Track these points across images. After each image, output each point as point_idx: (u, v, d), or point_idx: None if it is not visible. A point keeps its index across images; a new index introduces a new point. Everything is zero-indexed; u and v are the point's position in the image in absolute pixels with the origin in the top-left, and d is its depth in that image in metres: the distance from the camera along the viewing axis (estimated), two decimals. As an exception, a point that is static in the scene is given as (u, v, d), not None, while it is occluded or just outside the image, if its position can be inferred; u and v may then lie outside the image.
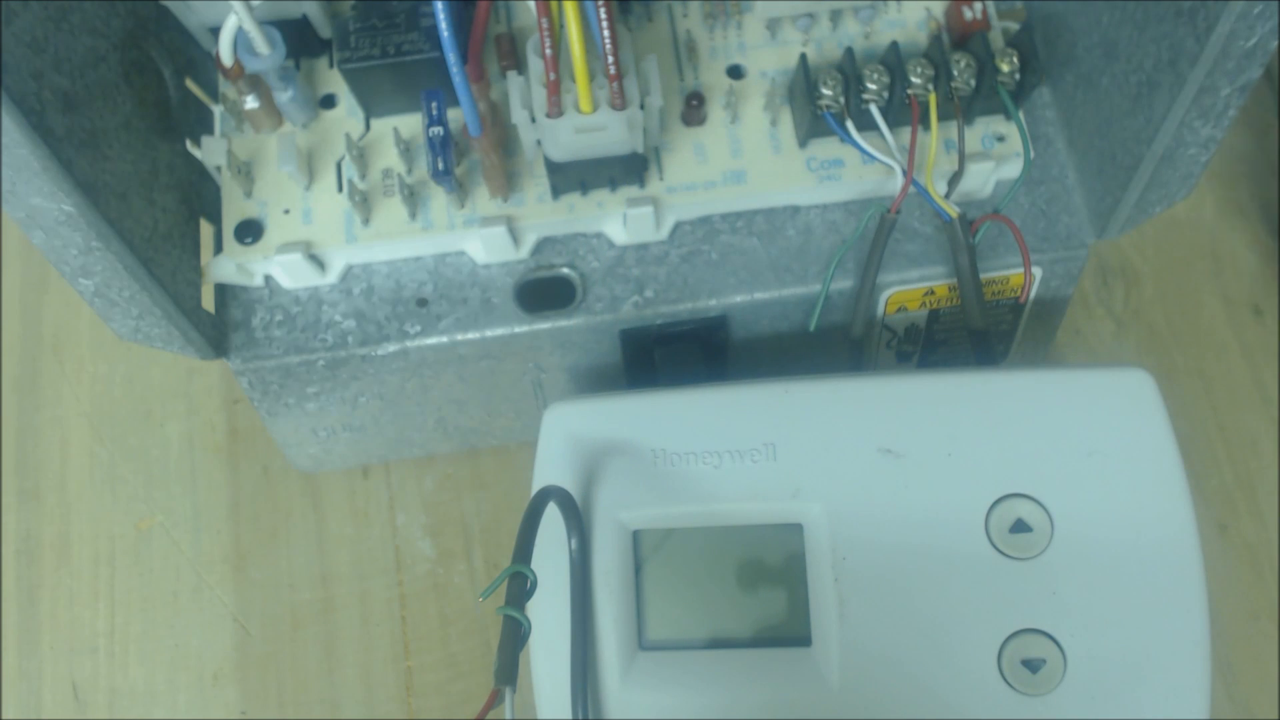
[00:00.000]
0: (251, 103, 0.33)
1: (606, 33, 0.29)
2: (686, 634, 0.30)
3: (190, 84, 0.35)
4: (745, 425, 0.30)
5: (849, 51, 0.33)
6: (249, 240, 0.33)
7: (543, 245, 0.35)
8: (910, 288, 0.35)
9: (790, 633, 0.29)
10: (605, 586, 0.30)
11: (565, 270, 0.35)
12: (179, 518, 0.42)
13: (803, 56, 0.33)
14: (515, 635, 0.25)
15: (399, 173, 0.34)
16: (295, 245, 0.33)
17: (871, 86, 0.32)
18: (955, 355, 0.39)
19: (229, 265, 0.34)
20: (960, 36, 0.34)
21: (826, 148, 0.34)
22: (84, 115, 0.28)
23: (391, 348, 0.34)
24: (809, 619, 0.29)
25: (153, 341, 0.32)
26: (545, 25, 0.29)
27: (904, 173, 0.33)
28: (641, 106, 0.31)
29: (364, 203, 0.33)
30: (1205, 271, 0.44)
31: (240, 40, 0.32)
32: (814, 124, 0.33)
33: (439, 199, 0.34)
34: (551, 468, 0.31)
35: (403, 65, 0.32)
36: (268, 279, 0.35)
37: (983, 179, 0.34)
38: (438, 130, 0.32)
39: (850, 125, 0.33)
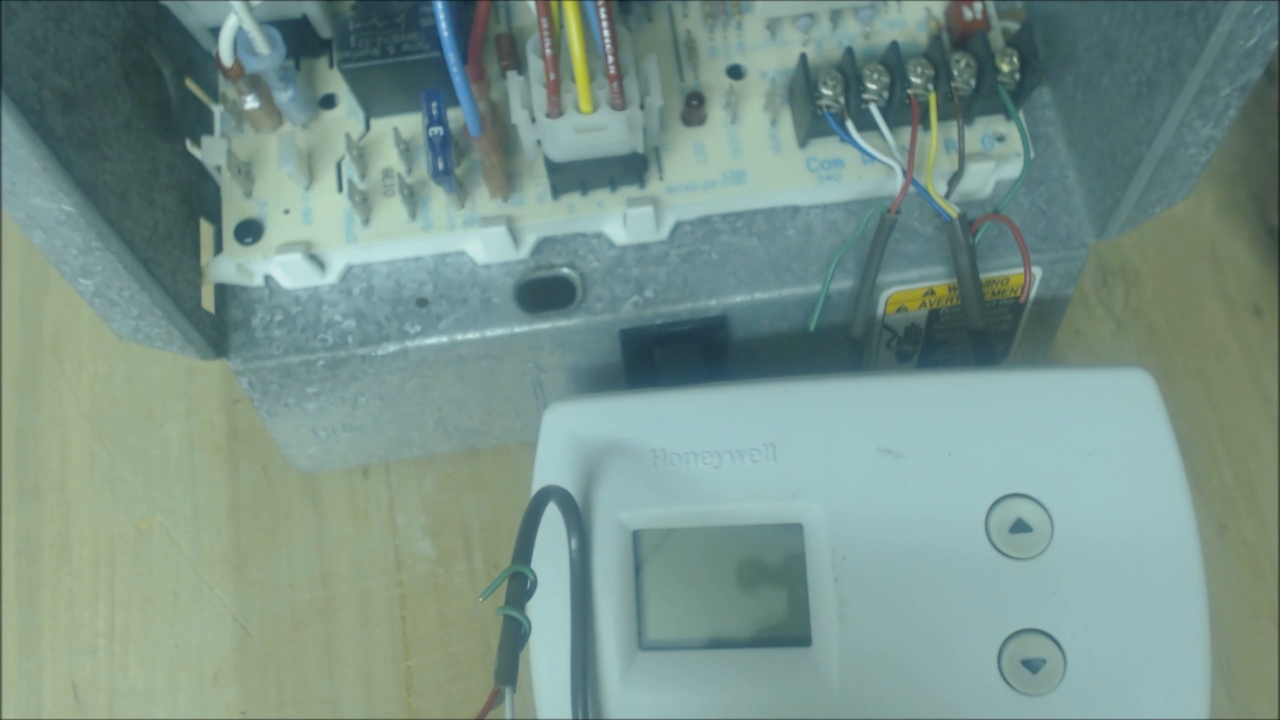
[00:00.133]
0: (251, 103, 0.33)
1: (606, 33, 0.29)
2: (686, 634, 0.30)
3: (190, 84, 0.35)
4: (745, 425, 0.30)
5: (849, 51, 0.33)
6: (249, 240, 0.33)
7: (543, 245, 0.35)
8: (910, 288, 0.35)
9: (790, 633, 0.29)
10: (605, 586, 0.30)
11: (565, 270, 0.35)
12: (179, 518, 0.42)
13: (803, 56, 0.33)
14: (515, 635, 0.25)
15: (399, 173, 0.34)
16: (295, 245, 0.33)
17: (871, 86, 0.32)
18: (955, 355, 0.39)
19: (229, 265, 0.34)
20: (960, 36, 0.34)
21: (826, 148, 0.34)
22: (84, 115, 0.28)
23: (391, 348, 0.34)
24: (809, 619, 0.29)
25: (153, 341, 0.32)
26: (545, 25, 0.29)
27: (904, 173, 0.33)
28: (641, 106, 0.31)
29: (364, 203, 0.33)
30: (1205, 271, 0.44)
31: (240, 40, 0.32)
32: (814, 124, 0.33)
33: (439, 199, 0.34)
34: (551, 468, 0.31)
35: (403, 65, 0.32)
36: (268, 279, 0.35)
37: (983, 179, 0.34)
38: (438, 130, 0.32)
39: (850, 125, 0.33)
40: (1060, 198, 0.35)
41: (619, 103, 0.31)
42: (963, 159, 0.33)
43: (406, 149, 0.34)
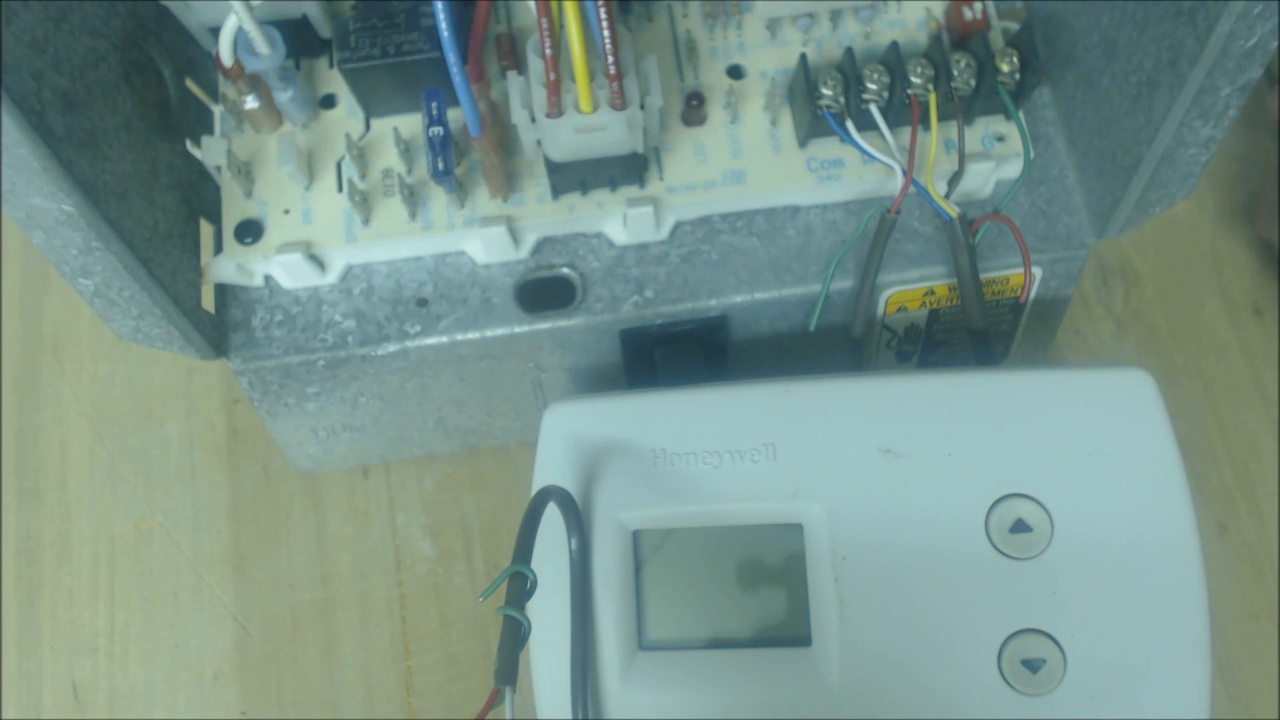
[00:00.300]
0: (251, 103, 0.33)
1: (606, 33, 0.29)
2: (686, 634, 0.30)
3: (190, 84, 0.35)
4: (745, 425, 0.30)
5: (849, 51, 0.33)
6: (249, 240, 0.33)
7: (543, 245, 0.35)
8: (910, 288, 0.35)
9: (790, 633, 0.29)
10: (605, 586, 0.30)
11: (565, 270, 0.35)
12: (179, 518, 0.42)
13: (803, 56, 0.33)
14: (515, 635, 0.25)
15: (399, 173, 0.34)
16: (295, 245, 0.33)
17: (871, 86, 0.32)
18: (955, 355, 0.39)
19: (229, 265, 0.34)
20: (960, 36, 0.34)
21: (826, 148, 0.34)
22: (84, 115, 0.28)
23: (391, 348, 0.34)
24: (809, 619, 0.29)
25: (153, 341, 0.32)
26: (545, 25, 0.29)
27: (904, 173, 0.33)
28: (641, 106, 0.31)
29: (364, 203, 0.33)
30: (1205, 271, 0.44)
31: (240, 40, 0.32)
32: (814, 124, 0.33)
33: (439, 199, 0.34)
34: (551, 468, 0.31)
35: (403, 65, 0.32)
36: (268, 279, 0.35)
37: (983, 179, 0.34)
38: (438, 130, 0.32)
39: (850, 125, 0.33)
40: (1060, 198, 0.35)
41: (619, 103, 0.31)
42: (963, 159, 0.33)
43: (406, 149, 0.34)
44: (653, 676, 0.29)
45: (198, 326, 0.33)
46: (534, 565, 0.26)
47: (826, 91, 0.32)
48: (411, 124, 0.34)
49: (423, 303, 0.34)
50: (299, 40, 0.34)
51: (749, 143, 0.34)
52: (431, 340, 0.34)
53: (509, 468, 0.42)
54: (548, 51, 0.29)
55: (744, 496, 0.30)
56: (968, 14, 0.34)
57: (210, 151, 0.33)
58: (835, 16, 0.35)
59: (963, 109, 0.33)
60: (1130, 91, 0.30)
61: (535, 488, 0.30)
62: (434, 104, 0.32)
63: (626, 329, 0.35)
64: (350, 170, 0.34)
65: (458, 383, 0.36)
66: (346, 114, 0.35)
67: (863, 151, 0.33)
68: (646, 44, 0.35)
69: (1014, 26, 0.34)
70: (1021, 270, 0.35)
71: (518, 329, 0.34)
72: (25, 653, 0.40)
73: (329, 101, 0.35)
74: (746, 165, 0.34)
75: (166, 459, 0.43)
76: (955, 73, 0.32)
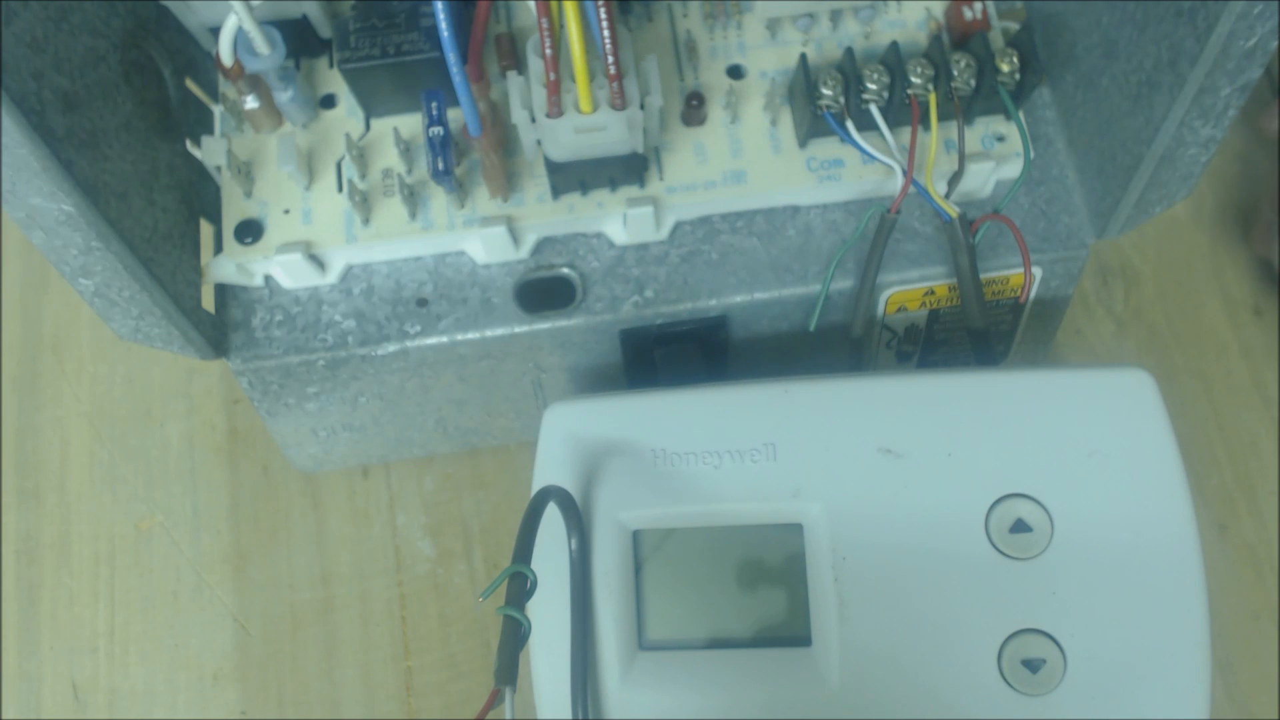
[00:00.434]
0: (251, 103, 0.33)
1: (606, 33, 0.29)
2: (686, 634, 0.30)
3: (190, 84, 0.35)
4: (745, 425, 0.30)
5: (849, 51, 0.33)
6: (249, 240, 0.33)
7: (543, 245, 0.35)
8: (910, 288, 0.35)
9: (790, 633, 0.29)
10: (605, 586, 0.30)
11: (565, 270, 0.35)
12: (179, 518, 0.42)
13: (803, 56, 0.33)
14: (515, 635, 0.25)
15: (399, 173, 0.34)
16: (295, 245, 0.33)
17: (871, 86, 0.32)
18: (955, 355, 0.39)
19: (229, 265, 0.34)
20: (960, 36, 0.34)
21: (826, 148, 0.34)
22: (84, 115, 0.28)
23: (391, 348, 0.34)
24: (809, 619, 0.29)
25: (153, 341, 0.32)
26: (545, 25, 0.29)
27: (904, 173, 0.33)
28: (641, 106, 0.31)
29: (364, 203, 0.33)
30: (1205, 271, 0.44)
31: (240, 40, 0.32)
32: (814, 124, 0.33)
33: (439, 199, 0.34)
34: (551, 468, 0.31)
35: (403, 65, 0.32)
36: (268, 279, 0.35)
37: (983, 179, 0.34)
38: (438, 130, 0.32)
39: (850, 125, 0.33)
40: (1060, 198, 0.35)
41: (619, 103, 0.31)
42: (963, 159, 0.33)
43: (406, 149, 0.34)
44: (653, 676, 0.29)
45: (198, 326, 0.33)
46: (534, 565, 0.26)
47: (826, 91, 0.32)
48: (411, 124, 0.34)
49: (423, 303, 0.34)
50: (299, 40, 0.34)
51: (749, 143, 0.34)
52: (431, 340, 0.34)
53: (509, 468, 0.42)
54: (548, 51, 0.29)
55: (744, 496, 0.30)
56: (968, 14, 0.34)
57: (210, 151, 0.33)
58: (835, 16, 0.35)
59: (963, 109, 0.33)
60: (1130, 91, 0.30)
61: (535, 488, 0.30)
62: (434, 104, 0.32)
63: (626, 329, 0.35)
64: (350, 170, 0.34)
65: (458, 383, 0.36)
66: (346, 114, 0.35)
67: (863, 151, 0.33)
68: (646, 44, 0.35)
69: (1014, 26, 0.34)
70: (1021, 270, 0.35)
71: (518, 329, 0.34)
72: (25, 653, 0.40)
73: (329, 101, 0.35)
74: (746, 165, 0.34)
75: (166, 459, 0.43)
76: (955, 73, 0.32)
